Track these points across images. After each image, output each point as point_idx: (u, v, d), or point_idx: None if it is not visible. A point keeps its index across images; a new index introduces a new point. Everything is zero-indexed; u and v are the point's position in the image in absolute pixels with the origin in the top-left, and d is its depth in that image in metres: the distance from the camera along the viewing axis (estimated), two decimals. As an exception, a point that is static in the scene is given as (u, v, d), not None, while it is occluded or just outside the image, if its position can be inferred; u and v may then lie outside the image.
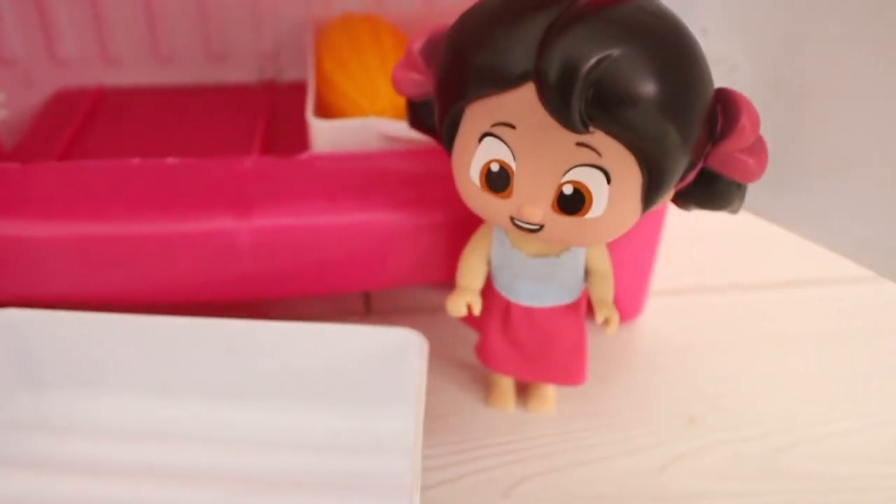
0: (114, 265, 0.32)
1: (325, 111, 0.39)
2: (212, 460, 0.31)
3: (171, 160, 0.35)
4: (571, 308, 0.31)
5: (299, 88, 0.49)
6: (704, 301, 0.42)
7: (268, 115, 0.45)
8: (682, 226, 0.40)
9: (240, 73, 0.49)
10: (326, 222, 0.32)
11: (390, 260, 0.34)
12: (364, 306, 0.40)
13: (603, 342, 0.37)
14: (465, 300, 0.31)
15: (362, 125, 0.36)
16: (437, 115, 0.29)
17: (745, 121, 0.26)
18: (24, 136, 0.47)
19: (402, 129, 0.36)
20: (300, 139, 0.42)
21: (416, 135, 0.36)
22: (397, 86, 0.30)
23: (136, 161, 0.35)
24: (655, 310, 0.40)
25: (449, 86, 0.27)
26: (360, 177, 0.34)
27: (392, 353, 0.31)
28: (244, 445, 0.32)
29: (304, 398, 0.33)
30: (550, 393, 0.35)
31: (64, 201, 0.33)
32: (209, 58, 0.49)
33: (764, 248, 0.46)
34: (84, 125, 0.46)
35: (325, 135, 0.36)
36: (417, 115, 0.31)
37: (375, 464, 0.31)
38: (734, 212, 0.29)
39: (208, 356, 0.32)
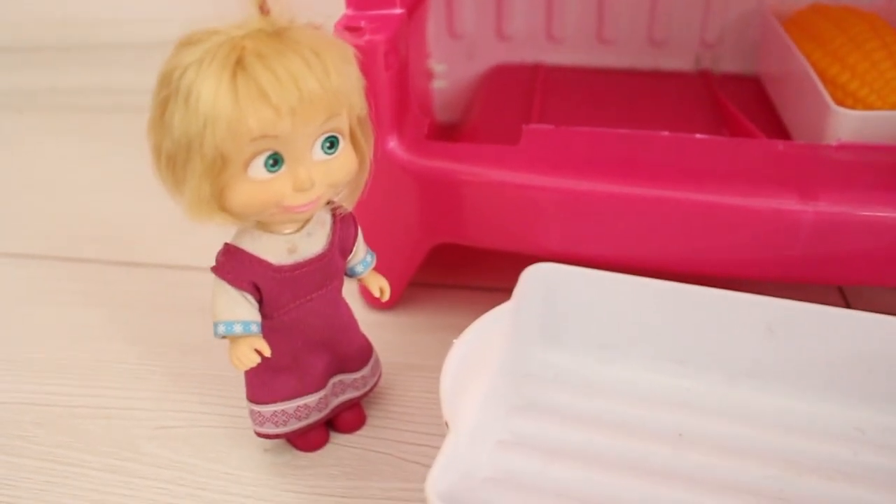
0: (657, 229, 0.33)
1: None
2: (725, 435, 0.31)
3: (699, 136, 0.36)
4: None
5: (736, 80, 0.48)
6: None
7: (724, 103, 0.44)
8: None
9: (676, 60, 0.49)
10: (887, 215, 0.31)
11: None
12: (843, 301, 0.38)
13: None
14: None
15: (893, 117, 0.35)
16: None
17: None
18: (466, 107, 0.50)
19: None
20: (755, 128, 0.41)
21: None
22: None
23: (664, 133, 0.36)
24: None
25: None
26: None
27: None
28: (757, 426, 0.31)
29: (830, 388, 0.32)
30: None
31: (600, 163, 0.34)
32: (649, 43, 0.49)
33: None
34: (529, 99, 0.48)
35: (850, 124, 0.35)
36: None
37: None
38: None
39: (742, 332, 0.32)
